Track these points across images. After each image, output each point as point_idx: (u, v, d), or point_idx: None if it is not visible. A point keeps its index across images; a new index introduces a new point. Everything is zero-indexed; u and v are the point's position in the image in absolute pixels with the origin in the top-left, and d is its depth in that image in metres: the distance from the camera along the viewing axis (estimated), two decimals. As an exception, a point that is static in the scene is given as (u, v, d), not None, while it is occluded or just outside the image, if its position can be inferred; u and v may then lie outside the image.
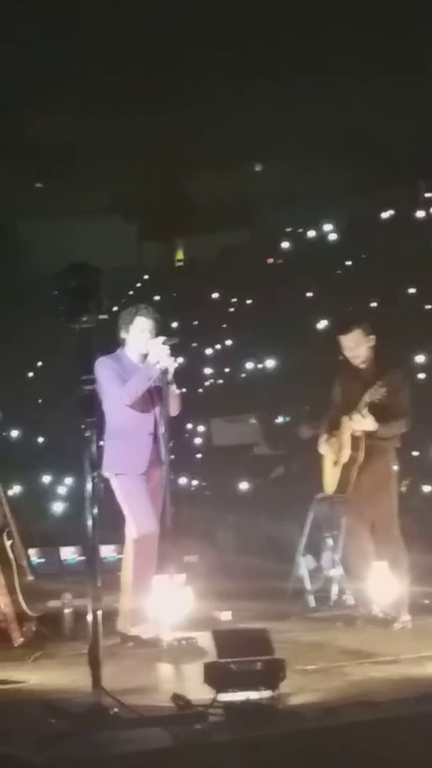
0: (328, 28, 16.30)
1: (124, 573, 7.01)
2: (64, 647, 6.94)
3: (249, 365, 16.85)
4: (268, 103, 17.52)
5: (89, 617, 4.94)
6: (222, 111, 17.62)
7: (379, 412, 7.53)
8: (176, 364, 7.00)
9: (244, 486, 12.05)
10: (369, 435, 7.59)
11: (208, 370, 16.33)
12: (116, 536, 7.31)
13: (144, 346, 7.12)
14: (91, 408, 4.89)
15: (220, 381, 16.60)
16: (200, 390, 14.70)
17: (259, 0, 15.97)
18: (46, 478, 15.03)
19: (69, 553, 10.79)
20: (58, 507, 13.89)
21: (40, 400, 17.45)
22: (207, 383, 15.68)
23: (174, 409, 7.07)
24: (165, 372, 6.91)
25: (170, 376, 6.95)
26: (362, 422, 7.54)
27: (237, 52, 16.74)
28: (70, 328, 5.00)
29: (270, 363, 16.66)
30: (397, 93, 17.91)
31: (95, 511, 4.94)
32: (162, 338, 6.99)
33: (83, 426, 4.90)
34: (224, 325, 18.31)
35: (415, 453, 12.35)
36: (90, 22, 16.42)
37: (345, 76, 16.84)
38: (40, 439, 16.57)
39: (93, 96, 17.26)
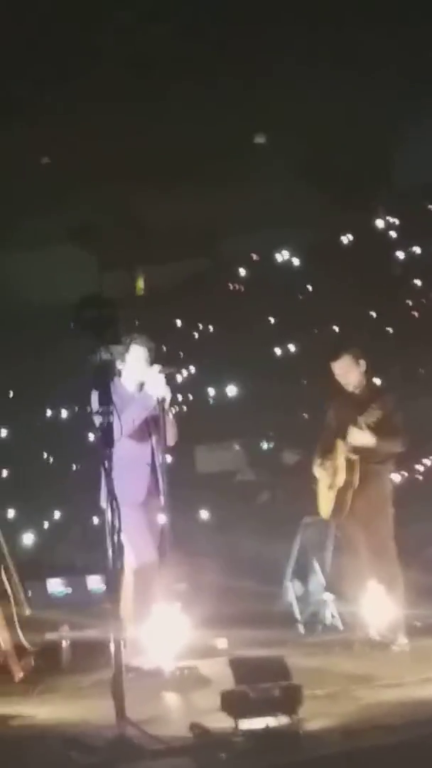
0: (287, 52, 16.41)
1: (123, 603, 6.98)
2: (65, 681, 6.90)
3: (215, 392, 16.87)
4: (228, 129, 17.57)
5: (111, 647, 4.92)
6: (183, 138, 17.64)
7: (375, 434, 7.60)
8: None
9: (229, 512, 12.07)
10: (364, 459, 7.65)
11: (178, 398, 16.33)
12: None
13: (140, 374, 7.12)
14: (110, 439, 4.90)
15: (189, 408, 16.62)
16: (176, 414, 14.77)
17: (213, 20, 15.99)
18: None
19: (57, 585, 10.70)
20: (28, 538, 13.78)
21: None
22: (177, 410, 15.68)
23: (171, 438, 7.09)
24: (162, 401, 6.92)
25: (167, 405, 6.97)
26: (360, 436, 7.58)
27: (194, 78, 16.78)
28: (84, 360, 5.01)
29: (236, 390, 16.71)
30: (358, 118, 18.06)
31: (116, 540, 4.93)
32: (158, 367, 7.01)
33: (102, 457, 4.90)
34: (188, 353, 18.32)
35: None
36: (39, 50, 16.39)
37: (306, 102, 16.94)
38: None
39: (49, 123, 17.21)
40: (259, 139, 17.89)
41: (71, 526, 12.87)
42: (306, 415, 11.86)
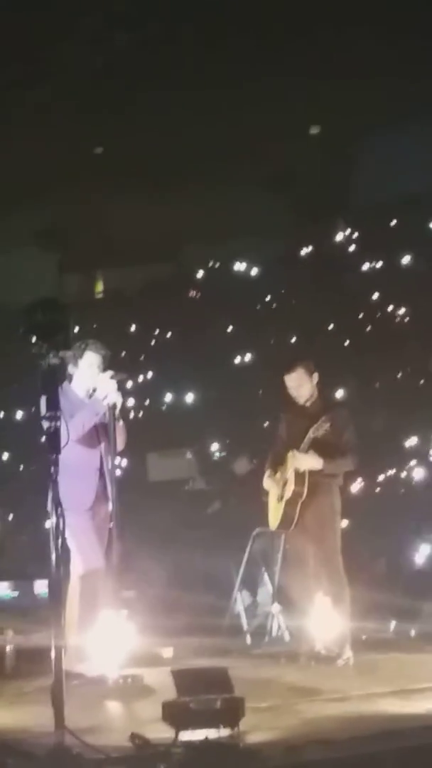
0: (247, 64, 16.45)
1: (69, 609, 6.93)
2: (7, 686, 6.84)
3: (170, 398, 16.84)
4: (193, 137, 17.57)
5: (52, 654, 4.87)
6: (147, 143, 17.62)
7: (325, 448, 7.61)
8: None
9: (180, 521, 12.02)
10: (313, 471, 7.64)
11: (130, 403, 16.28)
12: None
13: (91, 381, 7.09)
14: (57, 444, 4.85)
15: (142, 414, 16.58)
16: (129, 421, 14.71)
17: (184, 26, 15.98)
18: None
19: (4, 589, 10.62)
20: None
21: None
22: (131, 416, 15.65)
23: (120, 443, 7.06)
24: (113, 407, 6.89)
25: (118, 411, 6.94)
26: (304, 460, 7.60)
27: (162, 86, 16.77)
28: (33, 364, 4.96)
29: (192, 396, 16.67)
30: (321, 131, 18.14)
31: (59, 546, 4.88)
32: (110, 373, 6.98)
33: (48, 462, 4.86)
34: (145, 358, 18.29)
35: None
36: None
37: (270, 113, 16.99)
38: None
39: (12, 127, 17.13)
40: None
41: (21, 529, 12.77)
42: (261, 425, 11.84)
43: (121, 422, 7.03)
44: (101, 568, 6.91)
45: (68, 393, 7.11)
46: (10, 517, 13.65)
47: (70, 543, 6.93)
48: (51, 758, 4.64)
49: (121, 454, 7.92)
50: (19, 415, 15.64)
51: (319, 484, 7.69)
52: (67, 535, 6.84)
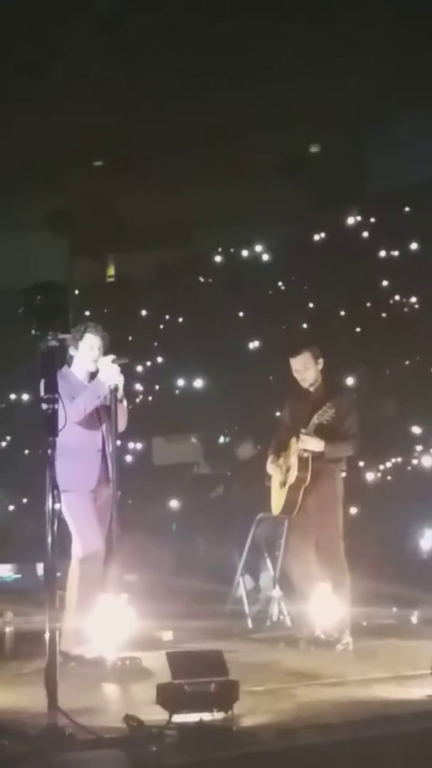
0: (263, 49, 16.41)
1: (68, 592, 6.95)
2: (5, 667, 6.87)
3: (179, 384, 16.87)
4: (204, 123, 17.56)
5: (46, 636, 4.89)
6: (159, 129, 17.61)
7: (327, 434, 7.61)
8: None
9: (184, 505, 12.06)
10: (316, 457, 7.65)
11: (138, 387, 16.33)
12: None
13: (92, 363, 7.11)
14: (54, 427, 4.86)
15: (151, 398, 16.62)
16: (137, 405, 14.77)
17: (199, 16, 15.97)
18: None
19: (6, 571, 10.66)
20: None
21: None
22: (139, 401, 15.70)
23: (122, 424, 7.07)
24: (115, 389, 6.90)
25: (120, 393, 6.95)
26: (309, 442, 7.60)
27: (171, 71, 16.76)
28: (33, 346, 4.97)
29: (202, 382, 16.69)
30: (334, 118, 18.09)
31: (55, 529, 4.90)
32: (112, 356, 6.98)
33: (46, 444, 4.87)
34: (155, 343, 18.31)
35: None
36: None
37: (283, 99, 16.95)
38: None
39: (26, 111, 17.13)
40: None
41: (25, 512, 12.83)
42: (270, 411, 11.86)
43: (124, 402, 7.03)
44: (101, 552, 6.92)
45: (68, 376, 7.12)
46: (14, 501, 13.71)
47: (71, 525, 6.95)
48: (43, 738, 4.65)
49: (124, 437, 7.92)
50: (25, 398, 15.70)
51: (322, 470, 7.69)
52: (67, 517, 6.92)
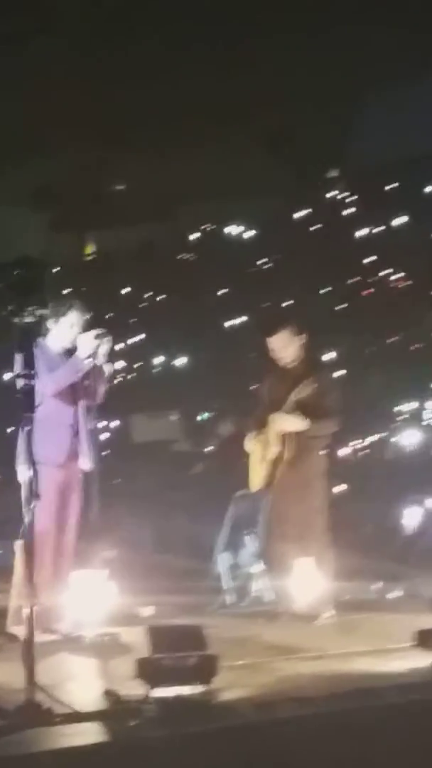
0: (246, 22, 16.31)
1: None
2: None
3: (161, 361, 16.86)
4: (187, 97, 17.44)
5: (24, 611, 4.89)
6: (142, 103, 17.49)
7: (309, 410, 7.60)
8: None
9: (163, 482, 12.04)
10: (297, 433, 7.64)
11: (119, 365, 16.30)
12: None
13: (69, 340, 7.08)
14: (31, 403, 4.84)
15: (132, 376, 16.59)
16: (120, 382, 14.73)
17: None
18: None
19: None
20: None
21: None
22: (120, 378, 15.66)
23: (99, 395, 7.03)
24: (94, 366, 6.88)
25: (104, 369, 6.94)
26: (286, 421, 7.59)
27: (154, 44, 16.63)
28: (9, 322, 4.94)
29: (183, 359, 16.67)
30: (320, 92, 17.99)
31: (33, 505, 4.88)
32: (94, 332, 6.95)
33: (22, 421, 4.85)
34: (135, 320, 18.26)
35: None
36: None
37: (267, 73, 16.85)
38: None
39: (4, 83, 16.97)
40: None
41: (4, 489, 12.77)
42: (252, 389, 11.88)
43: (108, 367, 6.98)
44: (50, 531, 6.80)
45: (44, 348, 7.08)
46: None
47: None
48: (21, 713, 4.65)
49: (103, 413, 7.87)
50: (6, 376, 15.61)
51: (301, 446, 7.69)
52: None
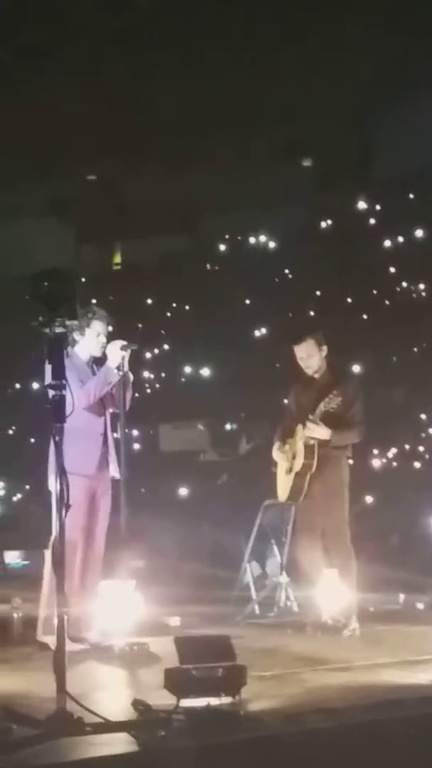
0: (267, 32, 16.37)
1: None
2: (15, 652, 6.89)
3: (187, 371, 16.91)
4: (209, 108, 17.52)
5: (55, 621, 4.92)
6: (166, 115, 17.58)
7: (333, 421, 7.63)
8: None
9: (190, 492, 12.08)
10: (322, 444, 7.67)
11: (146, 375, 16.38)
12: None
13: (97, 349, 7.13)
14: (62, 413, 4.88)
15: (158, 386, 16.65)
16: (146, 392, 14.82)
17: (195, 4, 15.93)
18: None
19: (15, 557, 10.71)
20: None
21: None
22: (148, 389, 15.75)
23: (126, 403, 7.06)
24: (124, 375, 6.93)
25: (130, 379, 6.99)
26: (315, 430, 7.62)
27: (176, 56, 16.72)
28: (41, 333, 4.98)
29: (208, 369, 16.71)
30: (341, 102, 18.04)
31: (63, 515, 4.91)
32: (121, 343, 6.99)
33: (53, 431, 4.88)
34: (162, 331, 18.34)
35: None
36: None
37: (288, 83, 16.91)
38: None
39: (31, 95, 17.10)
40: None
41: (32, 499, 12.86)
42: (277, 398, 11.91)
43: (130, 376, 7.01)
44: (76, 541, 6.84)
45: (73, 358, 7.14)
46: (21, 488, 13.74)
47: (54, 509, 6.90)
48: (52, 722, 4.68)
49: (131, 423, 7.91)
50: (31, 386, 15.69)
51: (328, 456, 7.71)
52: (53, 500, 6.86)
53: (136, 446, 13.66)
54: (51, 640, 6.60)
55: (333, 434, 7.64)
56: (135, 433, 14.12)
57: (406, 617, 8.46)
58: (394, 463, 13.81)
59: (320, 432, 7.62)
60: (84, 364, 7.17)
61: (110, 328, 7.27)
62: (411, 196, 18.86)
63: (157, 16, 15.85)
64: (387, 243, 18.32)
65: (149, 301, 19.42)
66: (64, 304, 4.91)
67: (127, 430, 7.32)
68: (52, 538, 6.79)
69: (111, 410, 7.10)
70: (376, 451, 13.09)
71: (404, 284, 17.49)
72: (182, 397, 15.55)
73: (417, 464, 13.70)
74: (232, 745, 4.70)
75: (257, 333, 17.22)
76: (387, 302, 17.35)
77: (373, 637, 7.43)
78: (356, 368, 15.72)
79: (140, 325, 7.20)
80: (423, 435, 14.30)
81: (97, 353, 7.13)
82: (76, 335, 7.15)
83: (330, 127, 18.79)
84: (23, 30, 15.99)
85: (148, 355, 17.14)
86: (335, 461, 7.76)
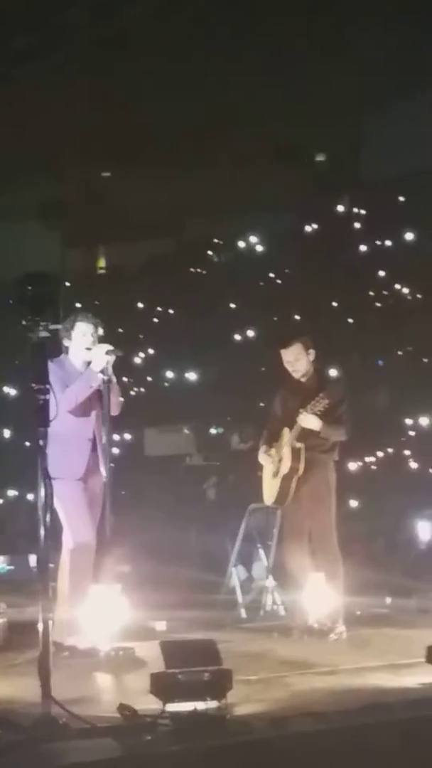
0: (253, 38, 16.38)
1: (60, 582, 6.95)
2: (-1, 657, 6.88)
3: (172, 375, 16.89)
4: (196, 112, 17.52)
5: (39, 626, 4.90)
6: (152, 118, 17.57)
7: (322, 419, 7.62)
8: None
9: (176, 496, 12.07)
10: (309, 447, 7.66)
11: (130, 379, 16.35)
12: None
13: (86, 351, 7.11)
14: (45, 417, 4.86)
15: (143, 390, 16.62)
16: (129, 396, 14.77)
17: (192, 3, 15.93)
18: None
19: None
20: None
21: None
22: (133, 392, 15.71)
23: (115, 407, 7.06)
24: (108, 380, 6.90)
25: (113, 383, 6.97)
26: (308, 419, 7.59)
27: (166, 59, 16.71)
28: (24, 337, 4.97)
29: (194, 373, 16.69)
30: (326, 107, 18.05)
31: (47, 520, 4.89)
32: (105, 347, 6.98)
33: (37, 435, 4.87)
34: (145, 335, 18.31)
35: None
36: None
37: (276, 88, 16.92)
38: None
39: (18, 99, 17.07)
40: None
41: (18, 503, 12.85)
42: (262, 402, 11.91)
43: (113, 380, 7.00)
44: (92, 541, 6.91)
45: (65, 364, 7.13)
46: (4, 493, 13.70)
47: (61, 515, 6.93)
48: (36, 727, 4.66)
49: (116, 427, 7.90)
50: (15, 392, 15.67)
51: (314, 460, 7.71)
52: (57, 506, 6.89)
53: (121, 451, 13.63)
54: (78, 641, 6.63)
55: (323, 426, 7.62)
56: (122, 437, 14.12)
57: (392, 620, 8.46)
58: (378, 467, 13.81)
59: (312, 421, 7.59)
60: (76, 371, 7.15)
61: (100, 331, 7.25)
62: (400, 198, 18.86)
63: (145, 19, 15.84)
64: (374, 247, 18.34)
65: (138, 305, 19.39)
66: (48, 308, 4.89)
67: (113, 434, 7.31)
68: (65, 540, 6.86)
69: (100, 414, 7.07)
70: (361, 455, 13.09)
71: (392, 288, 17.50)
72: (168, 401, 15.53)
73: (402, 467, 13.70)
74: (218, 749, 4.70)
75: (243, 337, 17.20)
76: (377, 304, 17.35)
77: (360, 641, 7.43)
78: (342, 371, 15.73)
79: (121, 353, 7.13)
80: (407, 438, 14.30)
81: (87, 356, 7.11)
82: (65, 341, 7.15)
83: (318, 131, 18.81)
84: (11, 34, 15.96)
85: (136, 359, 17.12)
86: (322, 465, 7.76)
